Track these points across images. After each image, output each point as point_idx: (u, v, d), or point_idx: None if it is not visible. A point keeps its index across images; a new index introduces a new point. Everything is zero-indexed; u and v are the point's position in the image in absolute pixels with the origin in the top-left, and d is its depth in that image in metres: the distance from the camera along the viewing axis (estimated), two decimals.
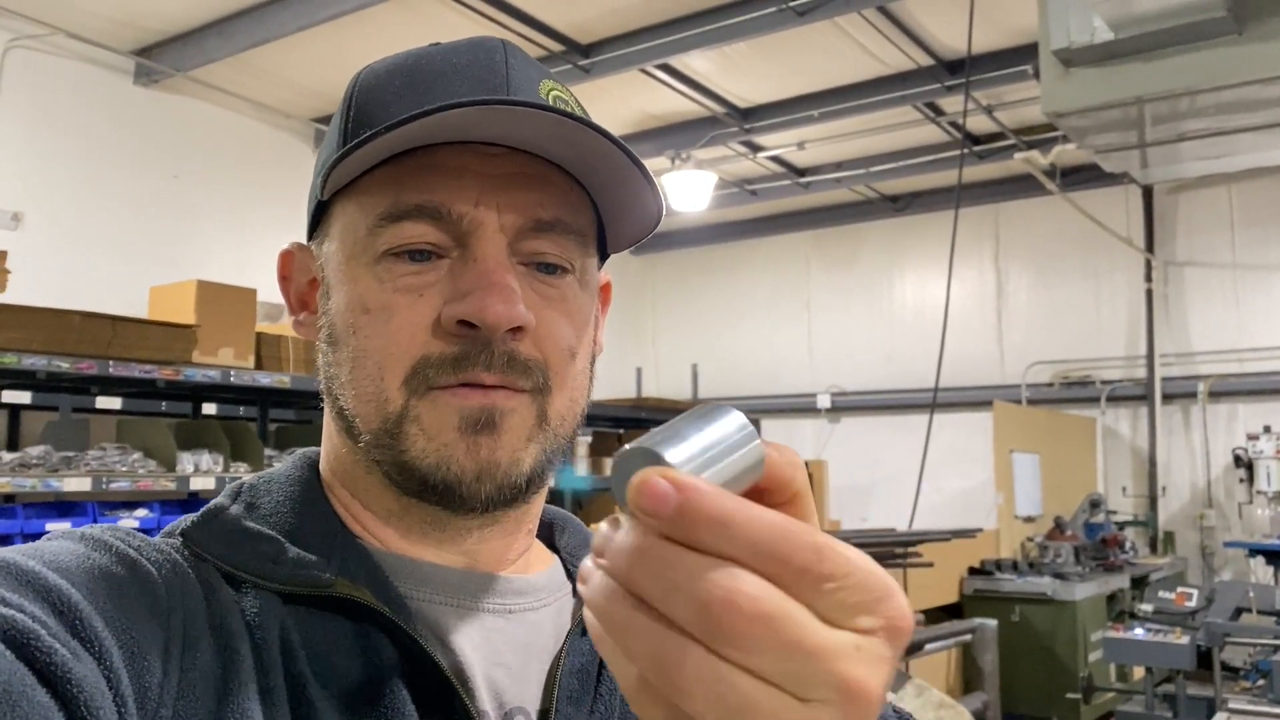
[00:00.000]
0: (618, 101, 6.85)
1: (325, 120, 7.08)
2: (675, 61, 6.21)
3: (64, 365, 3.68)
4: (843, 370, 9.41)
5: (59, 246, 5.66)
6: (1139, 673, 5.75)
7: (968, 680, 5.55)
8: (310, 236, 0.70)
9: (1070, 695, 5.72)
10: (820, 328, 9.65)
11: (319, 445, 0.72)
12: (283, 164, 7.02)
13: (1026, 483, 7.18)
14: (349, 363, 0.63)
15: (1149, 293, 8.05)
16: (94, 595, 0.53)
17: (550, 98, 0.65)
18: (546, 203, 0.63)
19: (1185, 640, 4.64)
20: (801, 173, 8.46)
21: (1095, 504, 7.23)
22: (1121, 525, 7.49)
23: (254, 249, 6.39)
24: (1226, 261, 7.89)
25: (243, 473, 4.31)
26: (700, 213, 8.38)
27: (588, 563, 0.36)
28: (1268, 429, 7.03)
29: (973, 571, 6.28)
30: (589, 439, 6.50)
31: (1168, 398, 7.98)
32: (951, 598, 6.13)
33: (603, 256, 0.71)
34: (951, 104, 6.84)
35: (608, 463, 5.80)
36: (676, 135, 7.31)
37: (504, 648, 0.64)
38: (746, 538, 0.32)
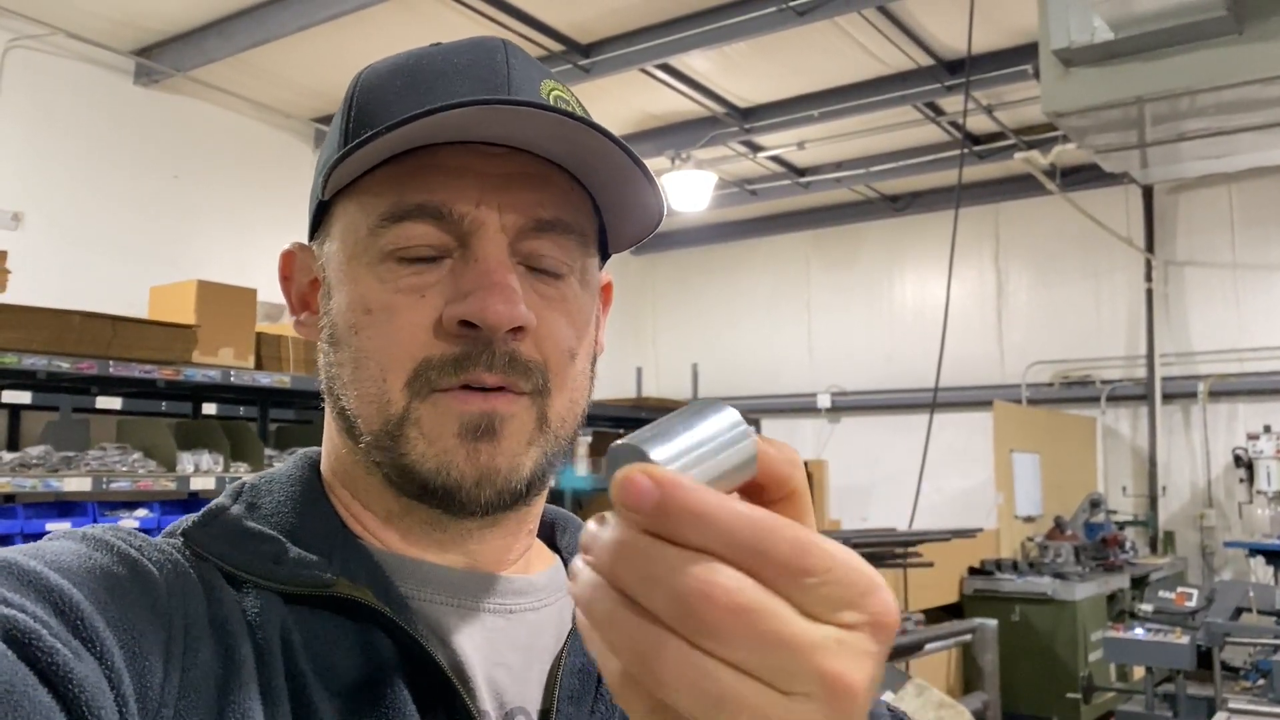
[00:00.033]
0: (618, 101, 6.85)
1: (325, 120, 7.08)
2: (675, 61, 6.21)
3: (64, 365, 3.68)
4: (843, 370, 9.41)
5: (59, 246, 5.66)
6: (1139, 672, 5.75)
7: (968, 680, 5.55)
8: (311, 236, 0.70)
9: (1070, 695, 5.72)
10: (820, 328, 9.65)
11: (319, 445, 0.72)
12: (283, 164, 7.02)
13: (1026, 482, 7.18)
14: (351, 363, 0.63)
15: (1149, 292, 8.05)
16: (96, 595, 0.53)
17: (551, 98, 0.65)
18: (547, 202, 0.63)
19: (1185, 640, 4.64)
20: (801, 173, 8.46)
21: (1095, 504, 7.23)
22: (1121, 525, 7.49)
23: (254, 249, 6.39)
24: (1227, 261, 7.89)
25: (243, 473, 4.31)
26: (700, 213, 8.38)
27: (577, 560, 0.37)
28: (1268, 429, 7.03)
29: (973, 571, 6.29)
30: (589, 439, 6.50)
31: (1168, 397, 7.98)
32: (952, 598, 6.13)
33: (604, 256, 0.71)
34: (951, 104, 6.83)
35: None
36: (676, 135, 7.31)
37: (505, 648, 0.64)
38: (726, 532, 0.33)
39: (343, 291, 0.64)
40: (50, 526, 3.88)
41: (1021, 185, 8.03)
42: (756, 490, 0.38)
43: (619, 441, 0.36)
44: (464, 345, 0.61)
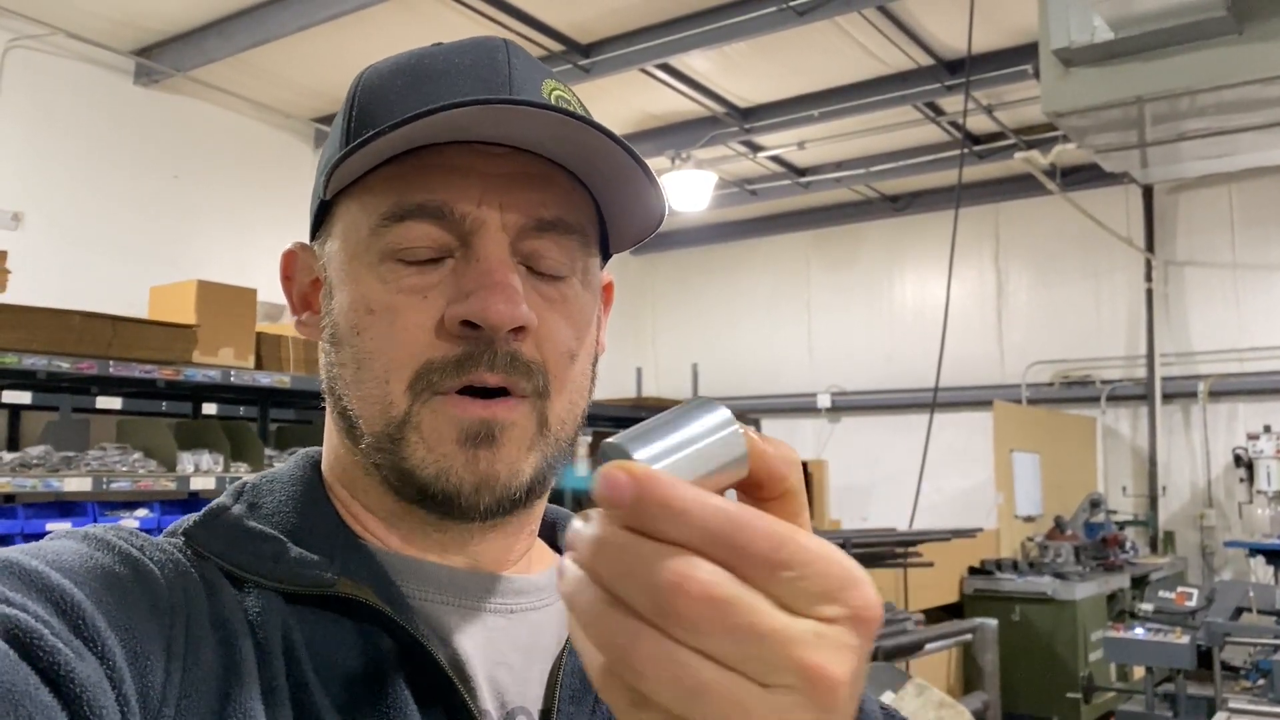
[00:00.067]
0: (618, 101, 6.85)
1: (325, 120, 7.08)
2: (675, 61, 6.21)
3: (64, 365, 3.68)
4: (843, 370, 9.41)
5: (59, 246, 5.66)
6: (1139, 672, 5.75)
7: (968, 680, 5.55)
8: (313, 236, 0.70)
9: (1070, 695, 5.72)
10: (820, 327, 9.65)
11: (319, 445, 0.72)
12: (283, 164, 7.02)
13: (1026, 482, 7.18)
14: (353, 363, 0.63)
15: (1149, 292, 8.05)
16: (97, 595, 0.53)
17: (553, 97, 0.65)
18: (549, 202, 0.63)
19: (1185, 640, 4.64)
20: (801, 172, 8.46)
21: (1095, 504, 7.22)
22: (1121, 525, 7.49)
23: (254, 249, 6.39)
24: (1227, 261, 7.89)
25: (243, 473, 4.31)
26: (700, 213, 8.38)
27: (565, 558, 0.37)
28: (1268, 428, 7.03)
29: (973, 571, 6.28)
30: (589, 439, 6.50)
31: (1168, 397, 7.98)
32: (952, 597, 6.13)
33: (605, 256, 0.71)
34: (951, 104, 6.83)
35: None
36: (676, 135, 7.31)
37: (506, 647, 0.65)
38: (701, 526, 0.33)
39: (344, 291, 0.64)
40: (50, 526, 3.88)
41: (1021, 185, 8.03)
42: (753, 488, 0.38)
43: (608, 440, 0.36)
44: (466, 346, 0.61)
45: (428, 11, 5.53)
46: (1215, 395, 7.78)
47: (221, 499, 0.67)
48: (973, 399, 8.17)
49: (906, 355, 8.92)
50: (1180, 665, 4.69)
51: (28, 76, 5.70)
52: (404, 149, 0.61)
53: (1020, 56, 6.00)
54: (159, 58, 6.08)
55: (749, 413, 9.25)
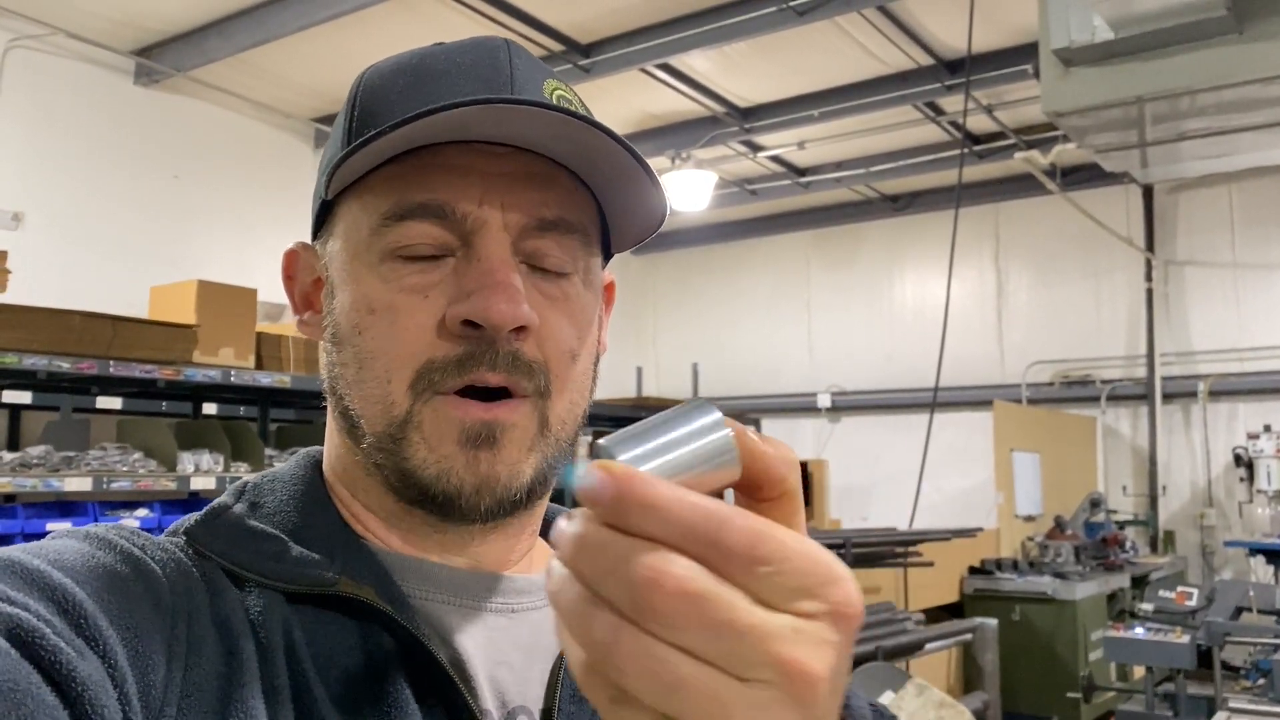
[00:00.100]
0: (618, 101, 6.85)
1: (325, 120, 7.08)
2: (675, 61, 6.22)
3: (64, 365, 3.68)
4: (843, 370, 9.41)
5: (59, 246, 5.66)
6: (1139, 672, 5.75)
7: (968, 679, 5.55)
8: (315, 236, 0.70)
9: (1071, 694, 5.72)
10: (820, 327, 9.65)
11: (319, 445, 0.72)
12: (283, 164, 7.02)
13: (1027, 482, 7.18)
14: (354, 363, 0.64)
15: (1149, 292, 8.05)
16: (99, 594, 0.53)
17: (554, 97, 0.65)
18: (550, 202, 0.63)
19: (1185, 639, 4.64)
20: (801, 172, 8.47)
21: (1095, 503, 7.22)
22: (1122, 524, 7.49)
23: (254, 249, 6.39)
24: (1227, 261, 7.89)
25: (243, 473, 4.31)
26: (700, 212, 8.38)
27: (551, 557, 0.37)
28: (1268, 428, 7.03)
29: (973, 571, 6.28)
30: (590, 438, 6.51)
31: (1168, 397, 7.98)
32: (952, 597, 6.13)
33: (606, 256, 0.71)
34: (951, 103, 6.84)
35: None
36: (676, 135, 7.32)
37: (507, 646, 0.65)
38: (678, 522, 0.33)
39: (346, 291, 0.64)
40: (51, 526, 3.88)
41: (1021, 185, 8.03)
42: (752, 489, 0.38)
43: (598, 441, 0.37)
44: (467, 345, 0.61)
45: (428, 11, 5.53)
46: (1215, 395, 7.78)
47: (223, 498, 0.67)
48: (973, 399, 8.17)
49: (906, 355, 8.92)
50: (1180, 665, 4.69)
51: (28, 76, 5.70)
52: (405, 148, 0.61)
53: (1020, 56, 6.00)
54: (159, 58, 6.08)
55: (749, 412, 9.25)
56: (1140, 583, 6.79)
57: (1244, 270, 7.80)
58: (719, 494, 0.37)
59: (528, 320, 0.61)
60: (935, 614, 5.67)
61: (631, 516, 0.34)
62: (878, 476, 8.70)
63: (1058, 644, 5.89)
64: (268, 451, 4.56)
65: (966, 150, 6.87)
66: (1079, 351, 8.39)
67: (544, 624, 0.67)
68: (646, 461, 0.36)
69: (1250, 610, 4.92)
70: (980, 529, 6.11)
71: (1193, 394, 7.85)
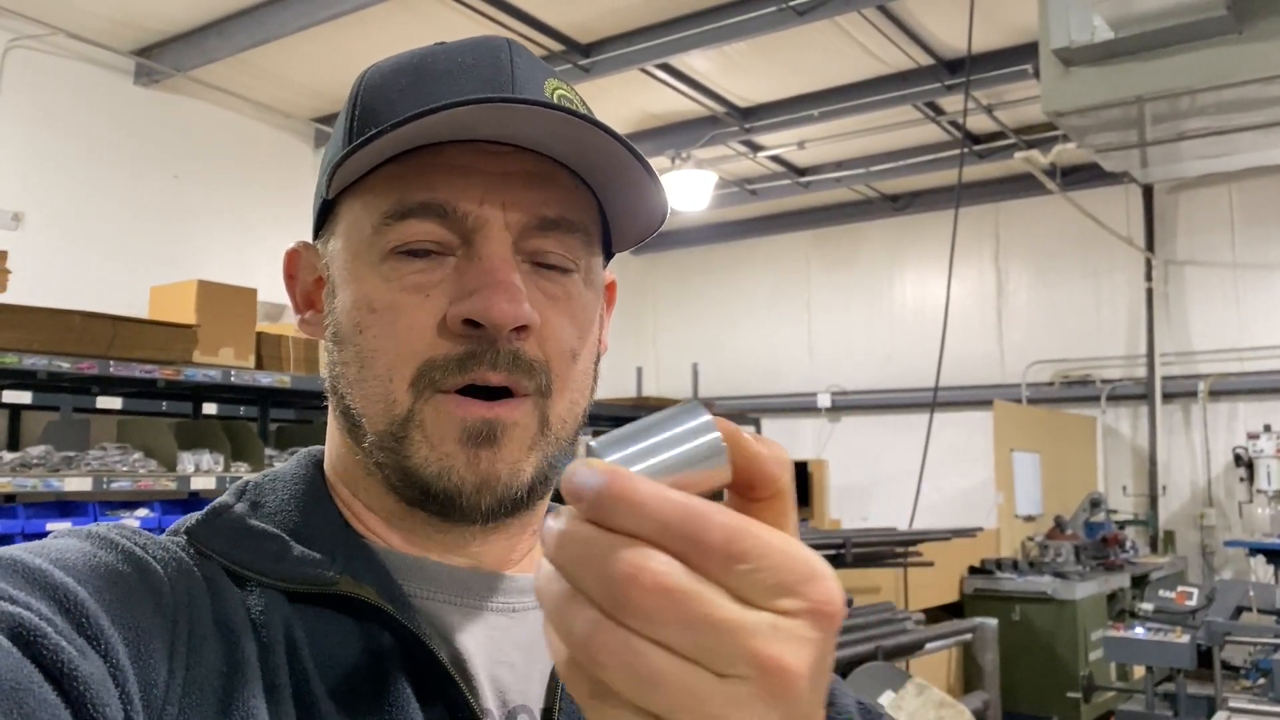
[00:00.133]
0: (618, 101, 6.85)
1: (325, 120, 7.08)
2: (675, 61, 6.22)
3: (65, 365, 3.68)
4: (843, 370, 9.41)
5: (59, 246, 5.66)
6: (1139, 672, 5.75)
7: (968, 679, 5.55)
8: (316, 235, 0.70)
9: (1071, 694, 5.72)
10: (820, 327, 9.66)
11: (319, 445, 0.72)
12: (283, 164, 7.02)
13: (1027, 482, 7.18)
14: (356, 362, 0.64)
15: (1149, 292, 8.06)
16: (100, 593, 0.53)
17: (556, 97, 0.65)
18: (552, 201, 0.63)
19: (1185, 639, 4.64)
20: (802, 172, 8.47)
21: (1095, 503, 7.22)
22: (1122, 524, 7.49)
23: (254, 249, 6.39)
24: (1227, 260, 7.89)
25: (243, 472, 4.31)
26: (700, 212, 8.38)
27: (541, 554, 0.38)
28: (1268, 428, 7.03)
29: (973, 571, 6.28)
30: (588, 438, 6.51)
31: (1168, 397, 7.98)
32: (952, 597, 6.13)
33: (607, 255, 0.71)
34: (951, 103, 6.84)
35: None
36: (677, 135, 7.32)
37: (508, 646, 0.65)
38: (658, 519, 0.34)
39: (347, 290, 0.64)
40: (51, 526, 3.88)
41: (1021, 185, 8.03)
42: (745, 489, 0.38)
43: (589, 443, 0.37)
44: (468, 344, 0.61)
45: (428, 11, 5.53)
46: (1215, 395, 7.78)
47: (224, 498, 0.67)
48: (973, 399, 8.17)
49: (906, 355, 8.92)
50: (1180, 665, 4.69)
51: (28, 76, 5.70)
52: (407, 148, 0.61)
53: (1020, 56, 6.01)
54: (159, 58, 6.08)
55: (749, 412, 9.25)
56: (1140, 583, 6.79)
57: (1244, 270, 7.80)
58: (713, 495, 0.37)
59: (529, 319, 0.61)
60: (935, 614, 5.68)
61: (612, 513, 0.34)
62: (878, 476, 8.70)
63: (1058, 644, 5.89)
64: (268, 451, 4.56)
65: (966, 150, 6.87)
66: (1079, 351, 8.40)
67: None
68: (635, 463, 0.36)
69: (1250, 610, 4.92)
70: (980, 529, 6.11)
71: (1193, 394, 7.85)
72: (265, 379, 4.43)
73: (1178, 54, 3.75)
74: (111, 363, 3.83)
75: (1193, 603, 5.00)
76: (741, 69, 6.48)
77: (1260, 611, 4.95)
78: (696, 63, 6.36)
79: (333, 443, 0.69)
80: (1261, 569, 7.06)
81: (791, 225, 9.63)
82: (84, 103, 5.95)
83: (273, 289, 4.52)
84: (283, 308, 5.40)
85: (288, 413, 5.69)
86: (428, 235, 0.62)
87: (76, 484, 3.84)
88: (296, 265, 0.72)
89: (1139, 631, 4.84)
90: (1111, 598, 6.48)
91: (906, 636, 4.24)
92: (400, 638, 0.60)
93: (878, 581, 5.20)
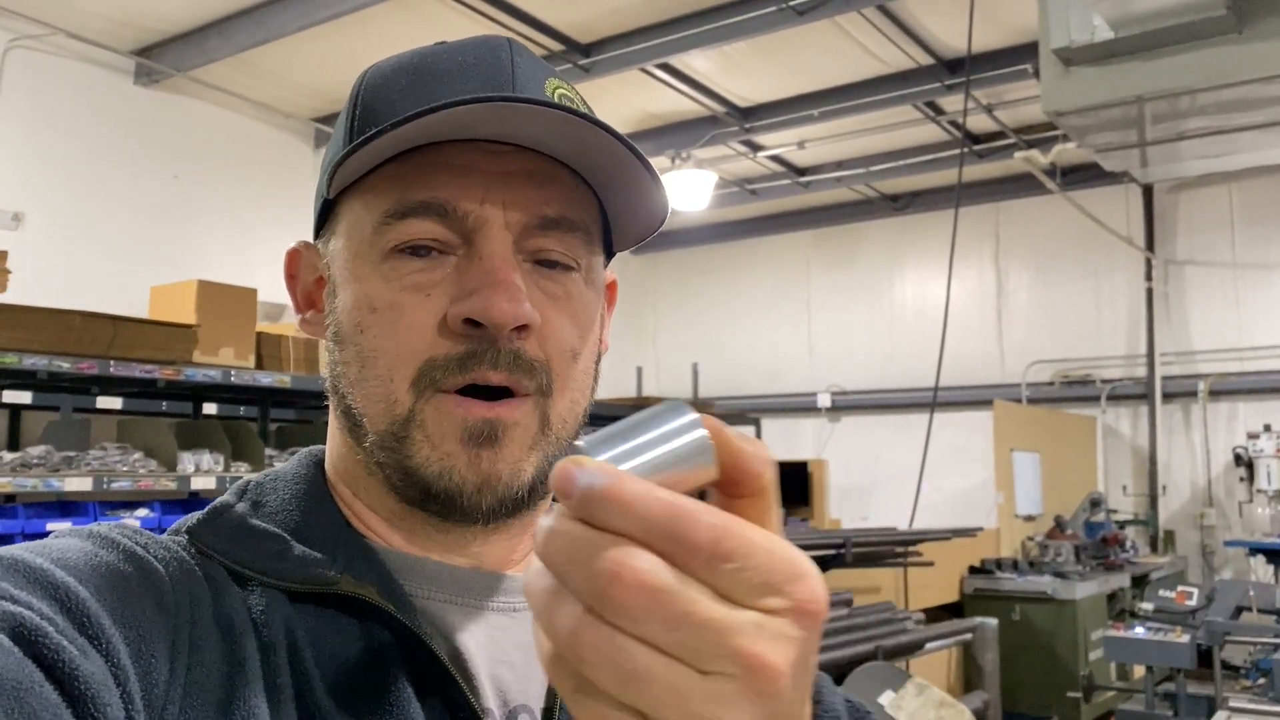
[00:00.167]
0: (618, 101, 6.85)
1: (325, 120, 7.08)
2: (675, 61, 6.22)
3: (65, 365, 3.68)
4: (843, 369, 9.42)
5: (59, 246, 5.66)
6: (1139, 671, 5.75)
7: (968, 679, 5.55)
8: (317, 235, 0.70)
9: (1071, 694, 5.72)
10: (820, 327, 9.66)
11: (321, 444, 0.72)
12: (283, 164, 7.02)
13: (1027, 482, 7.18)
14: (357, 361, 0.64)
15: (1149, 292, 8.06)
16: (101, 593, 0.53)
17: (556, 96, 0.65)
18: (552, 200, 0.63)
19: (1186, 639, 4.64)
20: (802, 172, 8.47)
21: (1095, 503, 7.22)
22: (1122, 524, 7.49)
23: (254, 249, 6.39)
24: (1227, 260, 7.89)
25: (244, 472, 4.31)
26: (700, 212, 8.38)
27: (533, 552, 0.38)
28: (1268, 428, 7.03)
29: (973, 570, 6.29)
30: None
31: (1168, 396, 7.98)
32: (952, 597, 6.13)
33: (608, 255, 0.71)
34: (951, 103, 6.84)
35: None
36: (677, 134, 7.32)
37: (509, 646, 0.65)
38: (644, 518, 0.34)
39: (348, 289, 0.64)
40: (51, 526, 3.88)
41: (1021, 184, 8.03)
42: (729, 485, 0.38)
43: (575, 443, 0.37)
44: (469, 344, 0.61)
45: (428, 11, 5.53)
46: (1215, 394, 7.78)
47: (225, 497, 0.67)
48: (973, 398, 8.17)
49: (906, 355, 8.92)
50: (1180, 664, 4.70)
51: (28, 76, 5.70)
52: (407, 147, 0.61)
53: (1020, 56, 6.01)
54: (159, 58, 6.08)
55: (749, 412, 9.25)
56: (1140, 582, 6.79)
57: (1244, 270, 7.80)
58: (699, 492, 0.38)
59: (529, 319, 0.61)
60: (935, 614, 5.68)
61: (599, 511, 0.34)
62: (878, 476, 8.71)
63: (1058, 643, 5.89)
64: (268, 451, 4.56)
65: (966, 150, 6.87)
66: (1079, 351, 8.40)
67: None
68: (624, 461, 0.36)
69: (1250, 610, 4.92)
70: (980, 529, 6.11)
71: (1193, 394, 7.85)
72: (265, 379, 4.43)
73: (1178, 54, 3.75)
74: (111, 363, 3.83)
75: (1193, 602, 5.00)
76: (741, 69, 6.48)
77: (1260, 611, 4.95)
78: (696, 63, 6.36)
79: (334, 442, 0.69)
80: (1261, 569, 7.06)
81: (791, 225, 9.63)
82: (84, 103, 5.95)
83: (273, 289, 4.52)
84: (283, 308, 5.41)
85: (288, 413, 5.69)
86: (428, 234, 0.62)
87: (76, 484, 3.84)
88: (297, 265, 0.72)
89: (1139, 631, 4.84)
90: (1111, 597, 6.49)
91: (906, 636, 4.25)
92: (401, 637, 0.60)
93: (878, 581, 5.20)
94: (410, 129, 0.58)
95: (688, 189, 7.37)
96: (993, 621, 5.45)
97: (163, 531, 0.65)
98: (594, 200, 0.66)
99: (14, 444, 4.72)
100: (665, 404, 0.39)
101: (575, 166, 0.64)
